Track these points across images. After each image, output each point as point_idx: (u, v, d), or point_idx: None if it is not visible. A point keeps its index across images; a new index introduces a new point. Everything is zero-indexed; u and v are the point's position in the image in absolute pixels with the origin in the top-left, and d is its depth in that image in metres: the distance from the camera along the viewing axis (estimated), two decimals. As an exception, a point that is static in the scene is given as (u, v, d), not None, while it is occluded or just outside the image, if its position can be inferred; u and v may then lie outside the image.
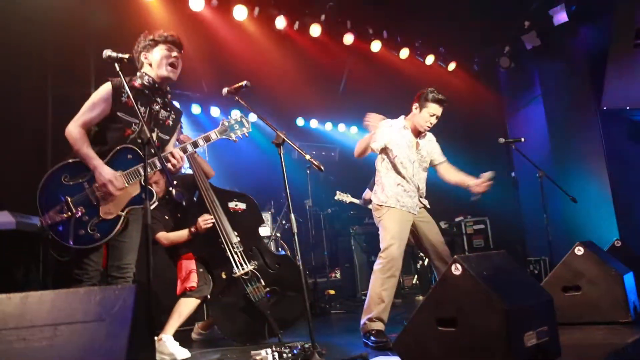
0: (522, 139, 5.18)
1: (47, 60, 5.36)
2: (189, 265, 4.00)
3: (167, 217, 4.18)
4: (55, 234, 2.85)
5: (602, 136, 6.28)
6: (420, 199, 3.94)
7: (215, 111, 7.98)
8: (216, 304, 4.02)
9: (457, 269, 2.53)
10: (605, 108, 6.24)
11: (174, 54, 3.14)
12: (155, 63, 3.10)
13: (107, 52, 2.84)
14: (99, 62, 3.13)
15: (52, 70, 5.43)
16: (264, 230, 6.70)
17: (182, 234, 4.03)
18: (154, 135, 3.07)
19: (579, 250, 3.61)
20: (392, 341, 3.22)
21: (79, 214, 2.86)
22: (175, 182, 4.17)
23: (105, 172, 2.89)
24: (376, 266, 3.68)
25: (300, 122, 8.83)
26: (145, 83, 3.09)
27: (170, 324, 3.78)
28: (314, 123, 8.99)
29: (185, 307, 3.84)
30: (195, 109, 7.77)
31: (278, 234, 6.86)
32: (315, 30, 6.62)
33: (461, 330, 2.48)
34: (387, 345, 3.37)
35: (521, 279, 2.77)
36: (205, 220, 3.95)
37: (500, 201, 7.68)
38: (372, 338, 3.52)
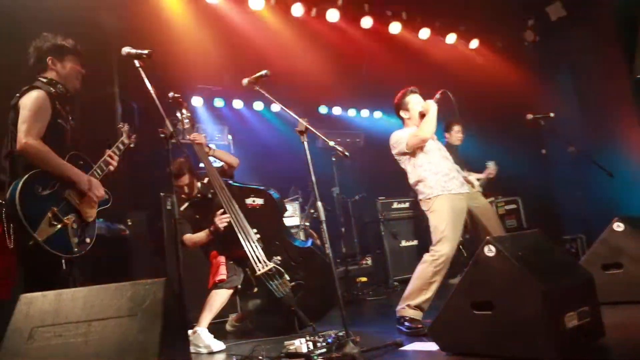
0: (551, 114, 5.03)
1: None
2: (219, 259, 4.02)
3: (197, 217, 4.18)
4: (53, 247, 2.68)
5: (636, 106, 6.05)
6: (470, 178, 3.85)
7: (237, 103, 8.00)
8: (245, 299, 4.04)
9: (490, 251, 2.47)
10: (638, 77, 6.00)
11: (80, 66, 3.16)
12: (64, 74, 3.09)
13: (125, 50, 2.86)
14: (120, 60, 3.15)
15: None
16: (293, 220, 6.71)
17: (203, 235, 4.04)
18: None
19: (619, 226, 3.47)
20: (426, 327, 3.18)
21: (70, 222, 2.81)
22: (207, 180, 4.17)
23: (94, 181, 2.98)
24: (427, 256, 3.59)
25: (323, 109, 8.77)
26: (59, 91, 3.04)
27: (203, 317, 3.82)
28: (337, 110, 8.92)
29: (216, 299, 3.86)
30: (218, 102, 7.78)
31: (307, 223, 6.85)
32: (333, 15, 6.54)
33: (498, 314, 2.42)
34: (421, 332, 3.33)
35: (558, 258, 2.69)
36: (220, 219, 3.94)
37: (532, 179, 7.52)
38: (407, 324, 3.48)
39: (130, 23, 5.26)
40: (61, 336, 1.70)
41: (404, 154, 3.86)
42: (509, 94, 7.88)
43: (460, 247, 6.73)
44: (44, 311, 1.79)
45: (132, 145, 3.54)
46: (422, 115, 3.85)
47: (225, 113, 7.96)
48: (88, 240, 2.88)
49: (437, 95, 3.87)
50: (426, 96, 3.98)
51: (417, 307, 3.51)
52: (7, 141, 2.88)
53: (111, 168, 3.21)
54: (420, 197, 3.82)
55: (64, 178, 2.84)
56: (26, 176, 2.71)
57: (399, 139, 3.87)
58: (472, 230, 3.91)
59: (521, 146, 7.66)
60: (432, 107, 3.79)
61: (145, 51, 2.83)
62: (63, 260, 2.74)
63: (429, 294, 3.52)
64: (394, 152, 3.95)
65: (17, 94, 2.92)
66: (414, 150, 3.82)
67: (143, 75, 2.83)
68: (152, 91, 2.80)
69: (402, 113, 4.02)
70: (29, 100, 2.84)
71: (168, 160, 2.70)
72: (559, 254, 2.75)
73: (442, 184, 3.70)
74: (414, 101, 3.97)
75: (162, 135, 2.70)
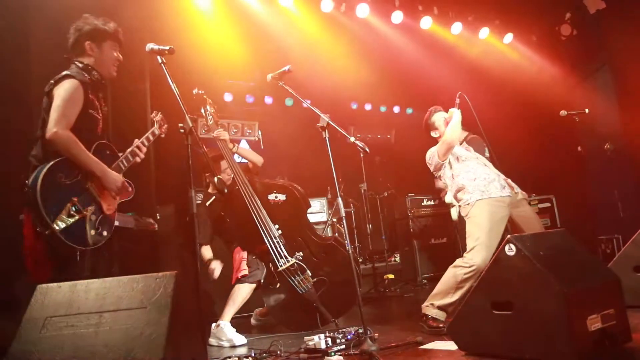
0: (586, 111, 4.87)
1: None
2: (241, 254, 4.06)
3: (222, 214, 4.22)
4: (68, 238, 2.63)
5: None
6: (513, 185, 3.80)
7: (268, 100, 8.03)
8: (268, 294, 4.06)
9: (510, 250, 2.41)
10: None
11: (118, 52, 3.11)
12: (101, 60, 3.04)
13: (149, 45, 2.89)
14: (151, 56, 3.13)
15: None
16: (321, 216, 6.71)
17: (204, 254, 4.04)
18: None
19: (652, 227, 3.34)
20: (447, 327, 3.13)
21: (89, 213, 2.76)
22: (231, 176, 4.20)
23: (117, 177, 2.92)
24: (459, 261, 3.53)
25: (354, 106, 8.73)
26: (94, 79, 3.01)
27: (226, 311, 3.87)
28: (368, 106, 8.86)
29: (239, 293, 3.90)
30: (249, 98, 7.84)
31: (334, 219, 6.84)
32: (362, 10, 6.48)
33: (518, 314, 2.37)
34: (441, 331, 3.31)
35: (583, 258, 2.60)
36: (211, 271, 3.91)
37: (567, 178, 7.28)
38: (428, 322, 3.46)
39: (162, 19, 5.33)
40: (73, 326, 1.74)
41: (440, 167, 3.90)
42: (543, 90, 7.65)
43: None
44: (58, 302, 1.84)
45: (162, 136, 3.48)
46: None
47: (256, 109, 8.01)
48: (105, 233, 2.84)
49: (457, 100, 3.92)
50: (449, 103, 3.99)
51: (441, 308, 3.48)
52: (40, 127, 2.86)
53: (138, 159, 3.18)
54: (460, 204, 3.80)
55: (88, 172, 2.83)
56: (51, 163, 2.68)
57: (432, 154, 3.94)
58: None
59: (556, 143, 7.43)
60: (455, 113, 3.85)
61: (167, 47, 2.86)
62: (78, 252, 2.70)
63: (454, 298, 3.46)
64: (431, 169, 4.00)
65: (52, 81, 2.89)
66: (450, 162, 3.86)
67: (165, 70, 2.87)
68: (173, 86, 2.84)
69: (432, 134, 4.08)
70: (63, 90, 2.82)
71: (188, 156, 2.72)
72: (585, 254, 2.66)
73: (481, 188, 3.67)
74: (439, 118, 4.03)
75: (182, 131, 2.73)
